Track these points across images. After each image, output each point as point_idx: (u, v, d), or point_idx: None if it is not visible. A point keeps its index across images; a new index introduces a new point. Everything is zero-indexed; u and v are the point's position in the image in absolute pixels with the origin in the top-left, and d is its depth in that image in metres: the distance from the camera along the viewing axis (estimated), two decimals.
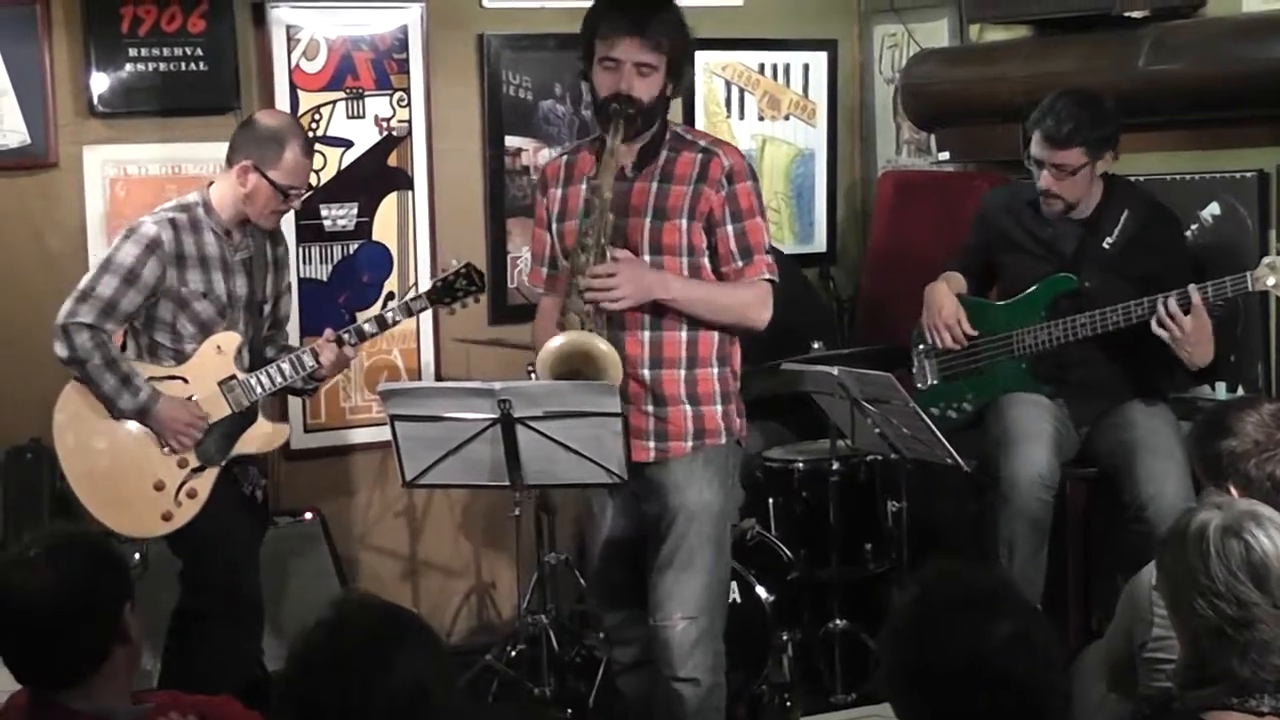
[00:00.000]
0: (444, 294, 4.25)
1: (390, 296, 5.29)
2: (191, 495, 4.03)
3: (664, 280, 3.58)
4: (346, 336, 4.19)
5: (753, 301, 3.66)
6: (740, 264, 3.64)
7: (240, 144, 4.09)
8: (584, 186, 3.64)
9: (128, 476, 4.02)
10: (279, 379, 4.11)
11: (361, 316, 5.23)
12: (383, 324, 4.23)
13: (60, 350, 3.97)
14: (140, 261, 3.98)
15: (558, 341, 3.50)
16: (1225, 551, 2.26)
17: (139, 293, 3.98)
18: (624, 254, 3.56)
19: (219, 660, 4.01)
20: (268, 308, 4.24)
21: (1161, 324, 4.07)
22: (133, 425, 4.02)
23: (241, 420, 4.10)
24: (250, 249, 4.17)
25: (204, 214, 4.08)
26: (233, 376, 4.07)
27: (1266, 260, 4.02)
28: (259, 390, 4.09)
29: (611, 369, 3.47)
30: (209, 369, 4.06)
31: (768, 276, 3.66)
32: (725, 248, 3.64)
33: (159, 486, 4.01)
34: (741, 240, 3.64)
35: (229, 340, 4.07)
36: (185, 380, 4.05)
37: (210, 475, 4.05)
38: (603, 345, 3.47)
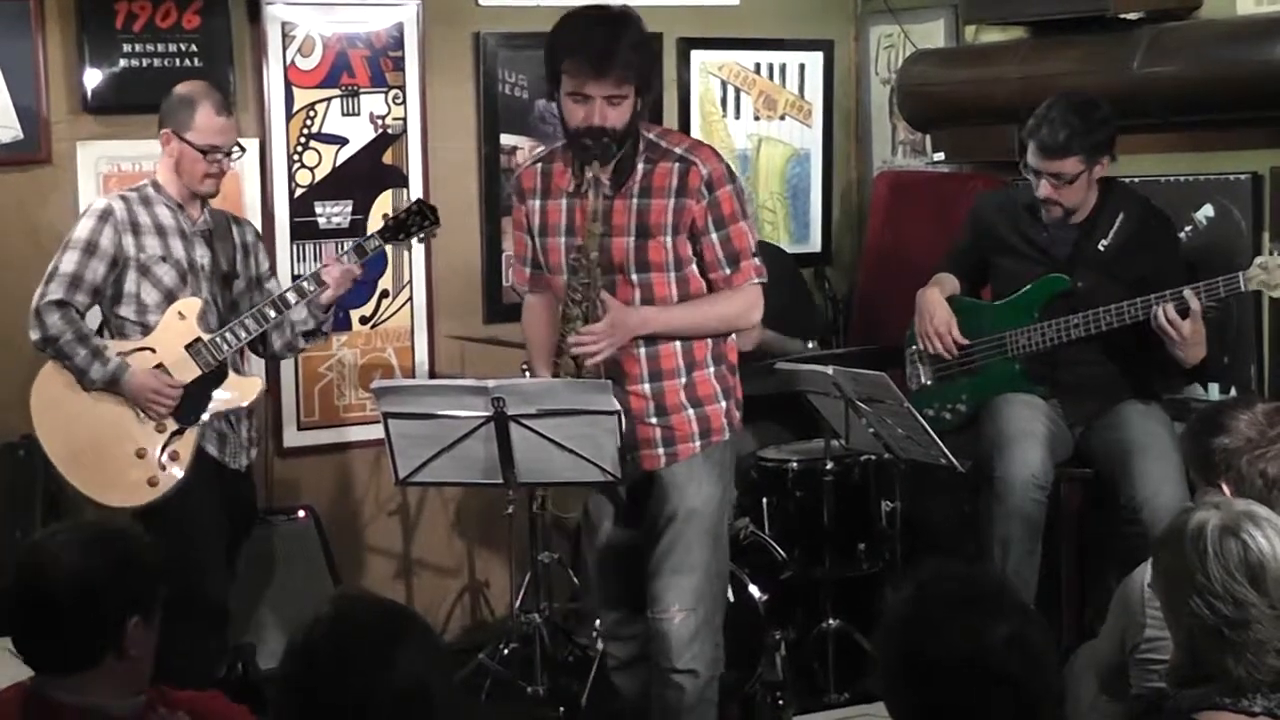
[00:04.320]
0: (396, 231, 4.28)
1: (385, 295, 5.29)
2: (174, 458, 4.08)
3: (643, 320, 3.59)
4: (344, 257, 4.23)
5: (741, 310, 3.67)
6: (728, 271, 3.64)
7: (161, 116, 4.20)
8: (564, 203, 3.64)
9: (110, 449, 4.07)
10: (243, 334, 4.15)
11: (355, 313, 5.25)
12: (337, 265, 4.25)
13: (34, 333, 4.07)
14: (95, 231, 4.09)
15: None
16: (1223, 551, 2.26)
17: (100, 261, 4.08)
18: (613, 304, 3.55)
19: (179, 655, 3.99)
20: (239, 284, 4.28)
21: (1162, 329, 4.08)
22: (108, 399, 4.06)
23: (213, 379, 4.14)
24: (209, 224, 4.24)
25: (153, 191, 4.19)
26: (198, 339, 4.11)
27: (1259, 260, 4.03)
28: (226, 348, 4.13)
29: None
30: (174, 335, 4.11)
31: (756, 281, 3.66)
32: (712, 255, 3.63)
33: (141, 454, 4.06)
34: (727, 247, 3.62)
35: (190, 305, 4.13)
36: (153, 350, 4.10)
37: (190, 436, 4.09)
38: None
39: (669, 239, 3.60)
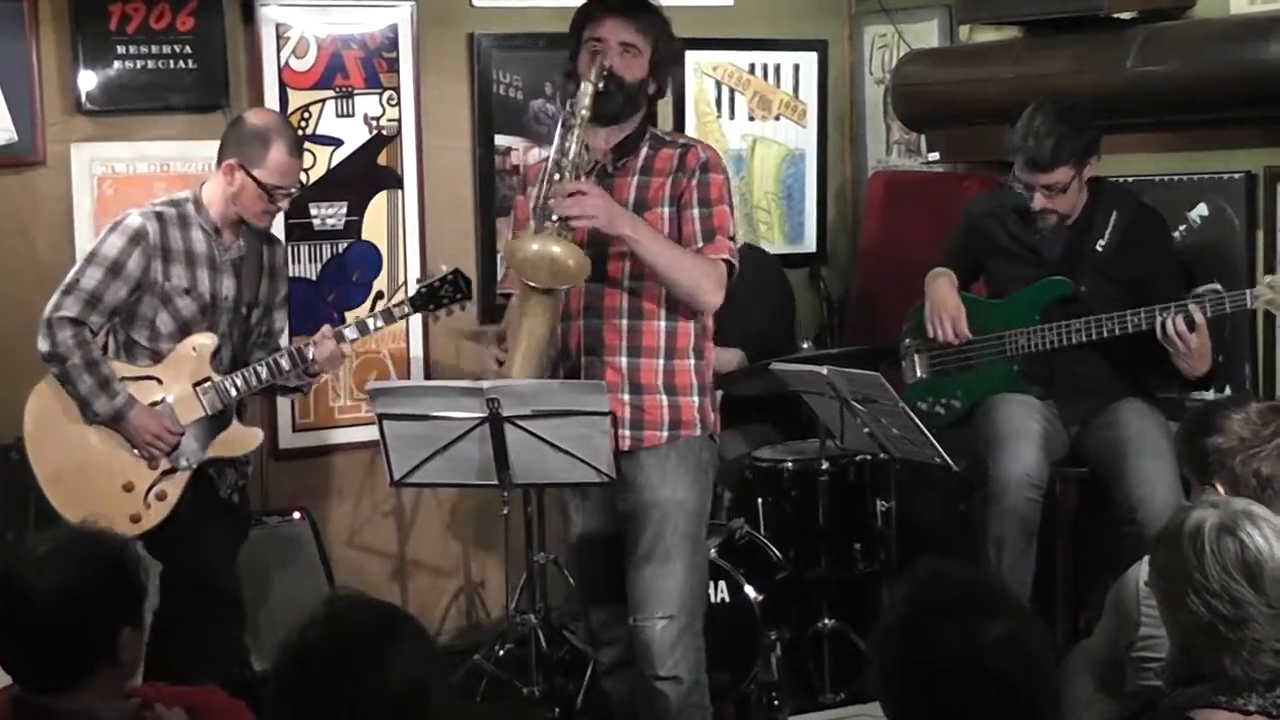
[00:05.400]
0: (428, 300, 4.22)
1: (379, 296, 5.29)
2: (161, 498, 4.00)
3: (633, 219, 3.58)
4: (348, 332, 4.17)
5: (710, 274, 3.63)
6: (701, 244, 3.65)
7: (228, 142, 4.09)
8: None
9: (97, 476, 3.99)
10: (254, 381, 4.08)
11: (350, 316, 5.24)
12: (364, 329, 4.21)
13: (42, 344, 3.96)
14: (124, 253, 3.97)
15: (532, 246, 3.50)
16: (1220, 550, 2.26)
17: (123, 284, 3.97)
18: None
19: (201, 661, 3.98)
20: (258, 312, 4.21)
21: (1169, 340, 4.08)
22: (105, 427, 3.99)
23: (215, 423, 4.07)
24: (242, 250, 4.15)
25: (193, 211, 4.07)
26: (208, 378, 4.04)
27: (1267, 280, 4.06)
28: (233, 393, 4.06)
29: (573, 263, 3.47)
30: (184, 370, 4.04)
31: (727, 258, 3.67)
32: (690, 229, 3.66)
33: (128, 488, 3.99)
34: (706, 223, 3.66)
35: (205, 341, 4.05)
36: (160, 381, 4.02)
37: (181, 478, 4.02)
38: (558, 248, 3.47)
39: (665, 210, 3.66)
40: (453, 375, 5.24)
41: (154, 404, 4.01)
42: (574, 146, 3.56)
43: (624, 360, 3.66)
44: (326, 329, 4.17)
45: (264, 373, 4.08)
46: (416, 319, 5.28)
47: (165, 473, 4.01)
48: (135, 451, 4.00)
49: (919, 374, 4.65)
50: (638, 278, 3.65)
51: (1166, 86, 4.56)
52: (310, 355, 4.11)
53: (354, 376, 5.26)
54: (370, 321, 4.20)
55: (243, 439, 4.16)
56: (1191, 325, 4.06)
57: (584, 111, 3.55)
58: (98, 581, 2.46)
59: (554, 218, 3.50)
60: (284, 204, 4.13)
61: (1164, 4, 4.75)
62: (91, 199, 4.82)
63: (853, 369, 4.38)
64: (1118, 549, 4.09)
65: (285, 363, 4.10)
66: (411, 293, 4.27)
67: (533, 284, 3.50)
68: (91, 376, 3.94)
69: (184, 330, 4.05)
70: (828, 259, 6.05)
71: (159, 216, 4.03)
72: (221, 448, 4.10)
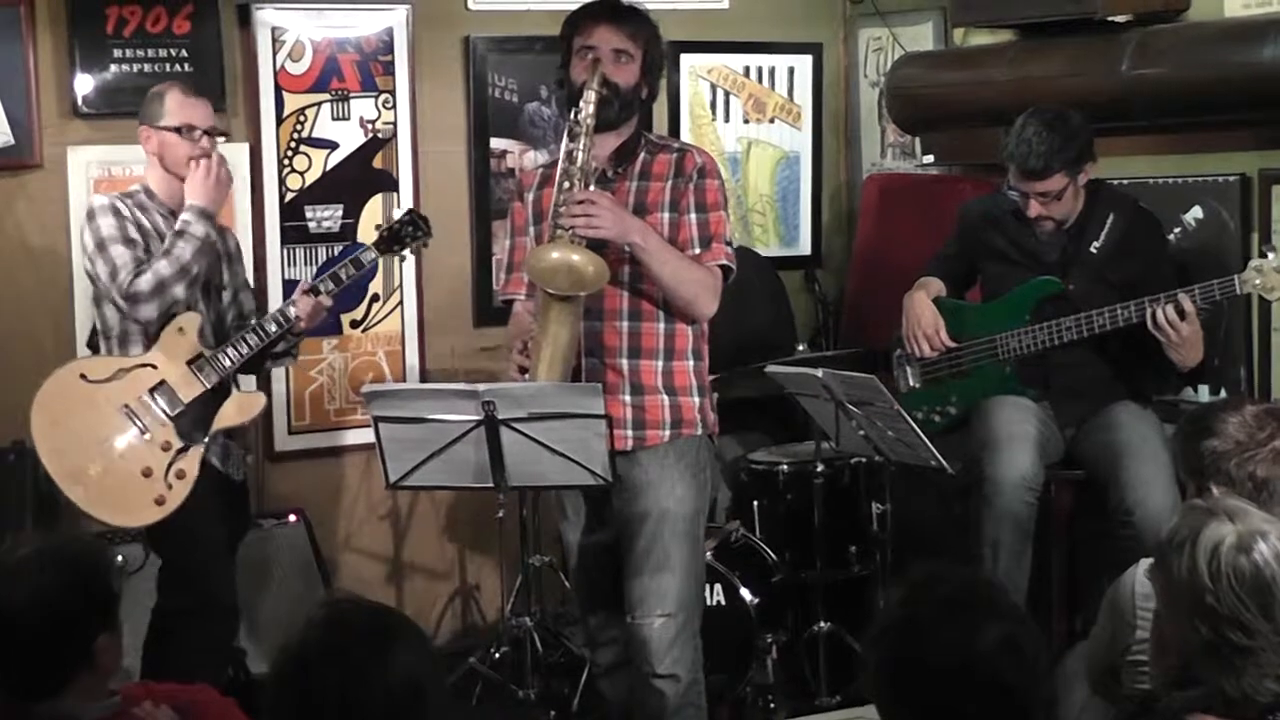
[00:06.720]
0: (392, 241, 4.25)
1: (375, 299, 5.29)
2: (180, 476, 4.01)
3: (644, 228, 3.60)
4: (322, 285, 4.18)
5: (708, 286, 3.68)
6: (699, 250, 3.68)
7: (138, 122, 4.13)
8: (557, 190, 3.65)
9: (114, 469, 3.99)
10: (245, 349, 4.09)
11: (346, 319, 5.25)
12: (337, 280, 4.20)
13: (147, 310, 3.95)
14: (120, 226, 4.01)
15: (552, 254, 3.51)
16: (1236, 573, 2.21)
17: (140, 250, 4.00)
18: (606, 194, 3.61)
19: (194, 660, 3.99)
20: (226, 295, 4.25)
21: (1159, 329, 4.09)
22: (112, 418, 4.00)
23: (217, 397, 4.09)
24: None
25: (146, 199, 4.12)
26: (200, 355, 4.06)
27: (1253, 263, 4.04)
28: (227, 364, 4.08)
29: (593, 270, 3.49)
30: (176, 351, 4.05)
31: (724, 263, 3.70)
32: (686, 234, 3.68)
33: (147, 473, 4.00)
34: (704, 229, 3.69)
35: (190, 321, 4.07)
36: (154, 366, 4.03)
37: (195, 454, 4.04)
38: (577, 256, 3.49)
39: (665, 215, 3.68)
40: (448, 378, 5.24)
41: (153, 389, 4.02)
42: (581, 155, 3.57)
43: (625, 362, 3.68)
44: (304, 284, 4.22)
45: (253, 340, 4.11)
46: (412, 321, 5.33)
47: (180, 451, 4.02)
48: (147, 436, 4.01)
49: (912, 384, 4.65)
50: (638, 280, 3.66)
51: (1161, 89, 4.57)
52: (293, 314, 4.13)
53: (349, 379, 5.26)
54: (342, 271, 4.19)
55: (246, 404, 4.18)
56: (1181, 314, 4.07)
57: (589, 120, 3.57)
58: (71, 590, 2.45)
59: (567, 233, 3.52)
60: (205, 143, 4.10)
61: (1158, 7, 4.75)
62: (88, 202, 4.82)
63: (847, 371, 4.39)
64: (1113, 552, 4.09)
65: (271, 326, 4.13)
66: (374, 239, 4.27)
67: (553, 291, 3.51)
68: (170, 247, 3.97)
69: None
70: (822, 262, 6.06)
71: (119, 198, 4.09)
72: (227, 417, 4.12)
